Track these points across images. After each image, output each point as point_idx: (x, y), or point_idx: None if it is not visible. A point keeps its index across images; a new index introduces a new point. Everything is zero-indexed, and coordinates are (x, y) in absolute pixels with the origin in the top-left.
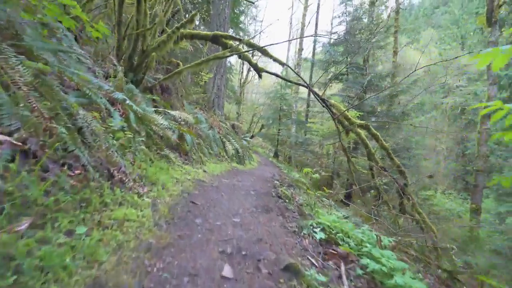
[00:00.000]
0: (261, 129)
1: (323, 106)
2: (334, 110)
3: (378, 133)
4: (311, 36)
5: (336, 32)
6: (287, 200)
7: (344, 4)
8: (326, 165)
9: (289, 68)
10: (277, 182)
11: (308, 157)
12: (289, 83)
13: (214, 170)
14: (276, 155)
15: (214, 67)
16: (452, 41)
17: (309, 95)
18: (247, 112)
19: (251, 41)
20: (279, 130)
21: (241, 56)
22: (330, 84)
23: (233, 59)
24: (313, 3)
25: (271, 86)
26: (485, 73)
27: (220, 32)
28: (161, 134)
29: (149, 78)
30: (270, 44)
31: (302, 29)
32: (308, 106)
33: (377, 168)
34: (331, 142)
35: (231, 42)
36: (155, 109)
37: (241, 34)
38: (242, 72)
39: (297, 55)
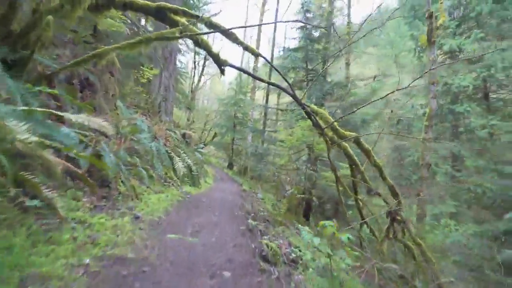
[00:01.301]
0: (214, 137)
1: (307, 115)
2: (320, 121)
3: (370, 148)
4: (285, 22)
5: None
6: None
7: (302, 14)
8: (296, 182)
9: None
10: (251, 221)
11: (272, 171)
12: (244, 90)
13: (155, 208)
14: (230, 166)
15: (161, 63)
16: (388, 59)
17: (267, 101)
18: (199, 120)
19: (213, 20)
20: (233, 139)
21: (198, 41)
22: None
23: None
24: (270, 8)
25: (224, 92)
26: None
27: (167, 4)
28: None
29: (46, 60)
30: (240, 27)
31: (259, 34)
32: (266, 113)
33: (369, 190)
34: (300, 154)
35: (183, 19)
36: (44, 110)
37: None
38: (194, 76)
39: (253, 60)
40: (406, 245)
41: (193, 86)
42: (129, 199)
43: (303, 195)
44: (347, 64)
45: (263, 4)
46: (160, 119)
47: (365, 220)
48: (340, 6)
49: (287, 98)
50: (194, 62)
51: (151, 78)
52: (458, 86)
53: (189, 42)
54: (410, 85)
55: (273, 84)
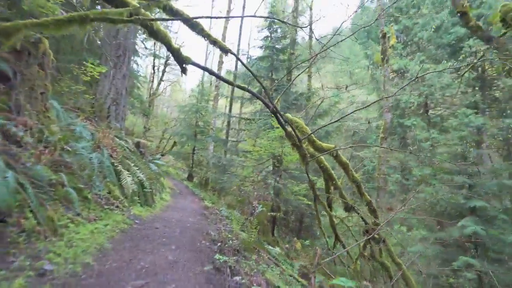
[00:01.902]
0: (173, 146)
1: (280, 125)
2: (295, 131)
3: (348, 162)
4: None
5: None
6: None
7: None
8: (263, 197)
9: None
10: (218, 256)
11: (236, 183)
12: (206, 97)
13: (81, 250)
14: (190, 177)
15: (111, 61)
16: (343, 75)
17: (230, 110)
18: (157, 127)
19: (174, 5)
20: (194, 148)
21: (153, 30)
22: (255, 101)
23: (142, 63)
24: (235, 7)
25: (185, 100)
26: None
27: None
28: None
29: None
30: (207, 17)
31: (223, 40)
32: (229, 123)
33: (347, 206)
34: (264, 166)
35: (135, 1)
36: None
37: None
38: (152, 81)
39: (217, 68)
40: (383, 264)
41: (151, 92)
42: (40, 239)
43: (273, 213)
44: (309, 76)
45: (228, 12)
46: (109, 125)
47: (339, 238)
48: (302, 21)
49: (250, 107)
50: (153, 67)
51: (97, 77)
52: (406, 102)
53: (149, 44)
54: (377, 101)
55: (243, 88)
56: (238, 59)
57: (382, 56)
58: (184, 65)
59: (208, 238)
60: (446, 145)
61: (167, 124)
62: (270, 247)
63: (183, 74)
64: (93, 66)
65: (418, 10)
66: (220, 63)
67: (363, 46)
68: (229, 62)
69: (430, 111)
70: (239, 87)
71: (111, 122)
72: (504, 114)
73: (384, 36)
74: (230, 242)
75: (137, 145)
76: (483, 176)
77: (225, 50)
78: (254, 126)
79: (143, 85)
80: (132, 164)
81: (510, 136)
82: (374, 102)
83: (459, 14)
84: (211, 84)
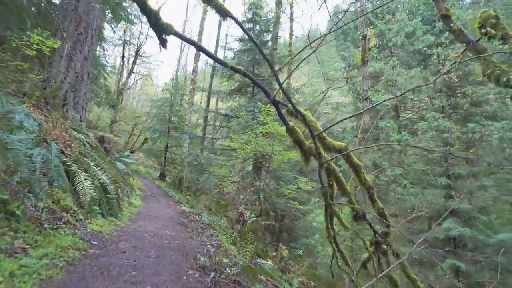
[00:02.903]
0: (144, 143)
1: (283, 118)
2: (310, 124)
3: (360, 163)
4: None
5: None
6: None
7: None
8: (250, 201)
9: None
10: None
11: (218, 185)
12: (181, 92)
13: None
14: (162, 176)
15: (68, 39)
16: (319, 76)
17: (208, 105)
18: (126, 122)
19: None
20: (167, 145)
21: None
22: (234, 96)
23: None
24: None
25: (158, 94)
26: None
27: None
28: None
29: None
30: None
31: (201, 32)
32: (206, 119)
33: (357, 214)
34: (243, 165)
35: None
36: None
37: None
38: (121, 72)
39: (193, 62)
40: (392, 278)
41: (120, 84)
42: None
43: (262, 219)
44: (288, 75)
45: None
46: (64, 116)
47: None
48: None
49: (229, 103)
50: (123, 57)
51: (48, 54)
52: (381, 104)
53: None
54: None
55: (239, 71)
56: (238, 24)
57: (362, 57)
58: (163, 36)
59: (196, 265)
60: (421, 150)
61: (138, 118)
62: (262, 260)
63: (163, 47)
64: (41, 39)
65: (393, 16)
66: (197, 56)
67: (338, 48)
68: (205, 57)
69: (401, 114)
70: (234, 69)
71: (68, 111)
72: (469, 118)
73: (364, 37)
74: (227, 270)
75: (101, 140)
76: (462, 178)
77: (223, 13)
78: (234, 123)
79: (110, 75)
80: (92, 164)
81: (472, 139)
82: (372, 107)
83: (442, 17)
84: (186, 78)
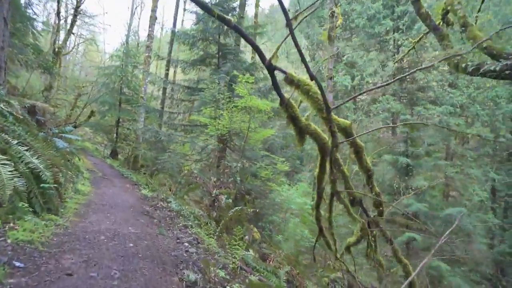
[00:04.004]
0: (90, 116)
1: (278, 88)
2: (325, 95)
3: (363, 145)
4: None
5: None
6: None
7: None
8: (223, 184)
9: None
10: None
11: (181, 164)
12: (134, 60)
13: None
14: (114, 154)
15: None
16: (281, 54)
17: (167, 75)
18: (66, 91)
19: None
20: (119, 119)
21: None
22: (199, 67)
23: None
24: None
25: (105, 62)
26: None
27: None
28: None
29: None
30: None
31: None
32: (165, 91)
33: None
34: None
35: None
36: None
37: None
38: (57, 31)
39: (148, 25)
40: (379, 262)
41: (56, 46)
42: None
43: (249, 208)
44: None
45: None
46: None
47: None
48: None
49: (190, 74)
50: (58, 13)
51: None
52: (341, 85)
53: None
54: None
55: (228, 24)
56: None
57: (329, 35)
58: None
59: (183, 285)
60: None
61: (81, 88)
62: (246, 252)
63: None
64: None
65: None
66: (152, 19)
67: (301, 26)
68: (168, 17)
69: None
70: (221, 19)
71: None
72: (416, 102)
73: (332, 15)
74: (213, 270)
75: (32, 110)
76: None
77: None
78: (199, 96)
79: (42, 34)
80: (16, 142)
81: (419, 121)
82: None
83: (412, 1)
84: (138, 45)
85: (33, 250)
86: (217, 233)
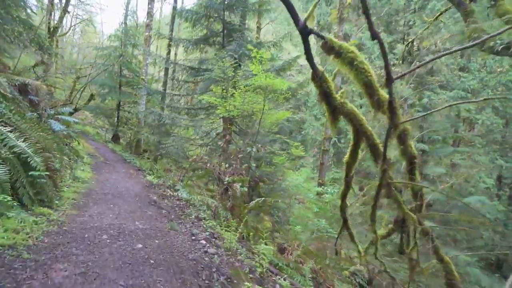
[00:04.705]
0: (90, 100)
1: (310, 57)
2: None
3: (409, 128)
4: None
5: None
6: None
7: None
8: (236, 170)
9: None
10: None
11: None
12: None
13: None
14: (115, 138)
15: None
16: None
17: (168, 55)
18: (65, 74)
19: None
20: (119, 103)
21: None
22: (203, 46)
23: None
24: None
25: (103, 43)
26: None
27: None
28: None
29: None
30: None
31: None
32: (167, 71)
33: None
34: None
35: None
36: None
37: None
38: (51, 11)
39: (147, 1)
40: (412, 258)
41: (51, 25)
42: None
43: (268, 198)
44: (258, 28)
45: None
46: None
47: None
48: None
49: (195, 54)
50: None
51: None
52: None
53: None
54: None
55: None
56: None
57: (339, 15)
58: None
59: None
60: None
61: (79, 70)
62: (264, 246)
63: None
64: None
65: None
66: None
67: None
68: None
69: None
70: None
71: None
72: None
73: None
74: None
75: (23, 89)
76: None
77: None
78: (205, 77)
79: (35, 11)
80: None
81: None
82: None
83: None
84: (137, 25)
85: (14, 258)
86: (239, 229)
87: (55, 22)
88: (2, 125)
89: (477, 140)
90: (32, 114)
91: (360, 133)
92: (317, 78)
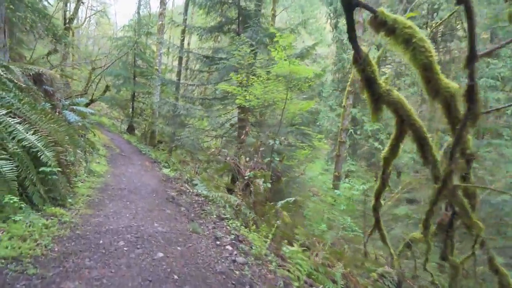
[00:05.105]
0: (105, 91)
1: (353, 36)
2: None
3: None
4: None
5: None
6: None
7: None
8: (257, 165)
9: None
10: None
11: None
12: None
13: None
14: (131, 129)
15: None
16: (298, 24)
17: (182, 44)
18: (80, 65)
19: None
20: (134, 93)
21: None
22: (218, 34)
23: None
24: None
25: (117, 33)
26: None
27: None
28: None
29: None
30: None
31: None
32: (180, 60)
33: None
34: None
35: None
36: None
37: None
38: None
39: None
40: (455, 264)
41: (67, 16)
42: None
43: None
44: (273, 15)
45: None
46: None
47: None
48: None
49: (209, 43)
50: None
51: None
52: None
53: None
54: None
55: None
56: None
57: None
58: None
59: None
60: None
61: (95, 62)
62: (288, 247)
63: None
64: None
65: None
66: None
67: None
68: None
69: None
70: None
71: None
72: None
73: None
74: None
75: (37, 78)
76: None
77: None
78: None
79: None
80: (3, 112)
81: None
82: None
83: None
84: (150, 15)
85: (18, 275)
86: (271, 236)
87: (71, 13)
88: (10, 117)
89: (505, 132)
90: (45, 105)
91: (406, 125)
92: (360, 61)
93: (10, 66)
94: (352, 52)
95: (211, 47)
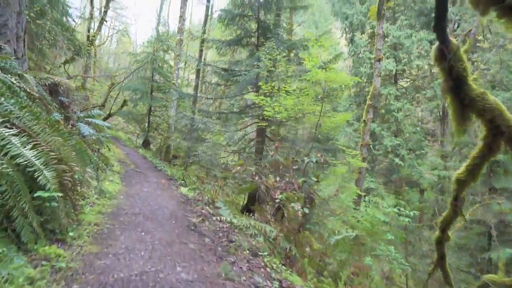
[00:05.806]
0: (123, 105)
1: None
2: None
3: None
4: None
5: None
6: None
7: None
8: (288, 185)
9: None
10: None
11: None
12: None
13: None
14: (146, 144)
15: None
16: (324, 32)
17: (200, 56)
18: (101, 82)
19: None
20: (150, 108)
21: None
22: (236, 47)
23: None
24: None
25: (136, 50)
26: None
27: None
28: None
29: None
30: None
31: None
32: (198, 73)
33: None
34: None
35: None
36: None
37: None
38: (90, 18)
39: (180, 5)
40: None
41: (91, 33)
42: None
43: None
44: (290, 29)
45: None
46: None
47: None
48: None
49: (226, 57)
50: (91, 1)
51: None
52: (384, 70)
53: None
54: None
55: None
56: None
57: (378, 10)
58: None
59: None
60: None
61: (114, 78)
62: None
63: None
64: None
65: None
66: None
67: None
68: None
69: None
70: None
71: None
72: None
73: None
74: None
75: (53, 89)
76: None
77: None
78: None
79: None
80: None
81: None
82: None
83: None
84: (168, 32)
85: None
86: (311, 275)
87: (94, 30)
88: (6, 127)
89: None
90: (55, 115)
91: (505, 138)
92: (449, 56)
93: (24, 74)
94: (377, 63)
95: (227, 61)
